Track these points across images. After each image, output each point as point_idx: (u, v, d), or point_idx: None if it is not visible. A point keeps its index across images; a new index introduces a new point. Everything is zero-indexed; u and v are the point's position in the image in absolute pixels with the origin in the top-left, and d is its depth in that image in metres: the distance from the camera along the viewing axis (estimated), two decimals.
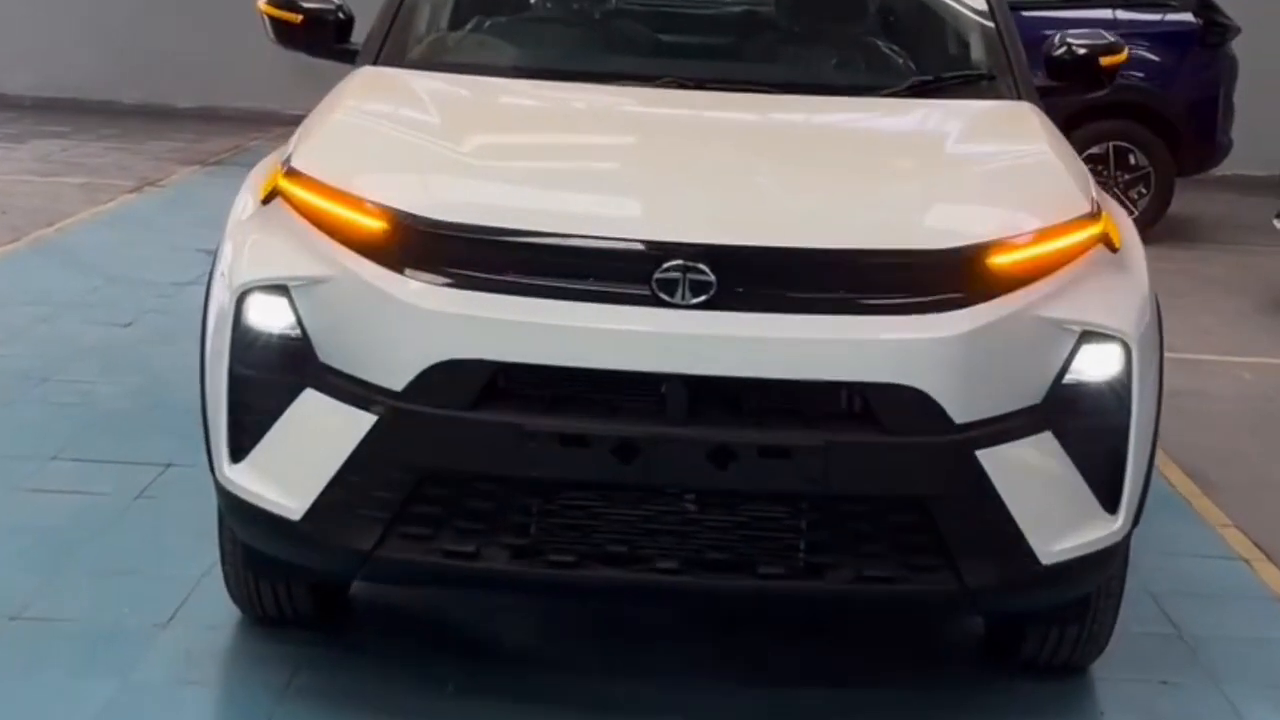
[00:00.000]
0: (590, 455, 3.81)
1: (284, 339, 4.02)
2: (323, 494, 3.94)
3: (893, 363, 3.82)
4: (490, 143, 4.37)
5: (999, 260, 3.92)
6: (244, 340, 4.05)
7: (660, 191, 4.09)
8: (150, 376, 7.06)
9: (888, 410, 3.82)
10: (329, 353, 3.98)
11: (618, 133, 4.56)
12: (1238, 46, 12.04)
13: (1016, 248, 3.95)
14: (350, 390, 3.93)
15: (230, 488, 4.11)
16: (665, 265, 3.80)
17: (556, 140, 4.50)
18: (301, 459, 4.01)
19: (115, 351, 7.45)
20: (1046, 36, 5.19)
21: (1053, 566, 3.98)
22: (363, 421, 3.90)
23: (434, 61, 4.98)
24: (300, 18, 5.10)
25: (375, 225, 3.94)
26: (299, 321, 4.00)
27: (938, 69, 5.06)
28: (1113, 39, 5.22)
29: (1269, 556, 5.69)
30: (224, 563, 4.53)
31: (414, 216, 3.91)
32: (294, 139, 4.42)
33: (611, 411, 3.84)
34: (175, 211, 10.98)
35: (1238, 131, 12.20)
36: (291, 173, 4.15)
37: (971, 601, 3.96)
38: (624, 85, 4.78)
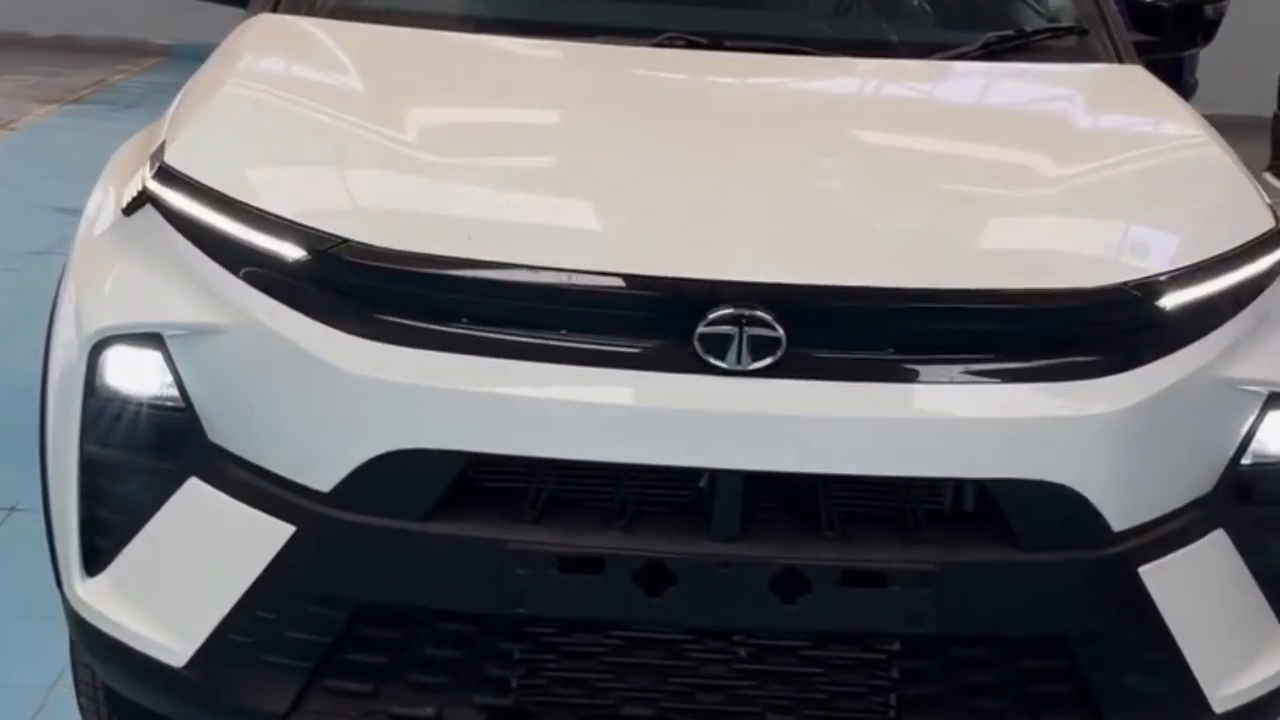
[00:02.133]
0: (603, 585, 2.72)
1: (157, 409, 2.89)
2: (216, 633, 2.83)
3: (1032, 451, 2.74)
4: (451, 133, 3.18)
5: (1172, 301, 2.84)
6: (100, 410, 2.92)
7: (698, 206, 2.92)
8: None
9: (1024, 517, 2.75)
10: (223, 431, 2.85)
11: (622, 117, 3.35)
12: None
13: (1193, 283, 2.87)
14: (254, 487, 2.81)
15: (82, 610, 2.98)
16: (713, 315, 2.68)
17: (541, 128, 3.31)
18: (184, 580, 2.89)
19: None
20: None
21: (1225, 715, 2.94)
22: (274, 533, 2.78)
23: (358, 9, 3.73)
24: None
25: (291, 254, 2.79)
26: (179, 385, 2.87)
27: (1010, 21, 3.92)
28: None
29: None
30: (79, 694, 3.37)
31: (348, 243, 2.76)
32: (168, 118, 3.22)
33: (632, 522, 2.74)
34: (29, 160, 9.70)
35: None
36: (166, 173, 2.97)
37: None
38: (616, 43, 3.60)
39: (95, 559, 2.96)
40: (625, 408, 2.70)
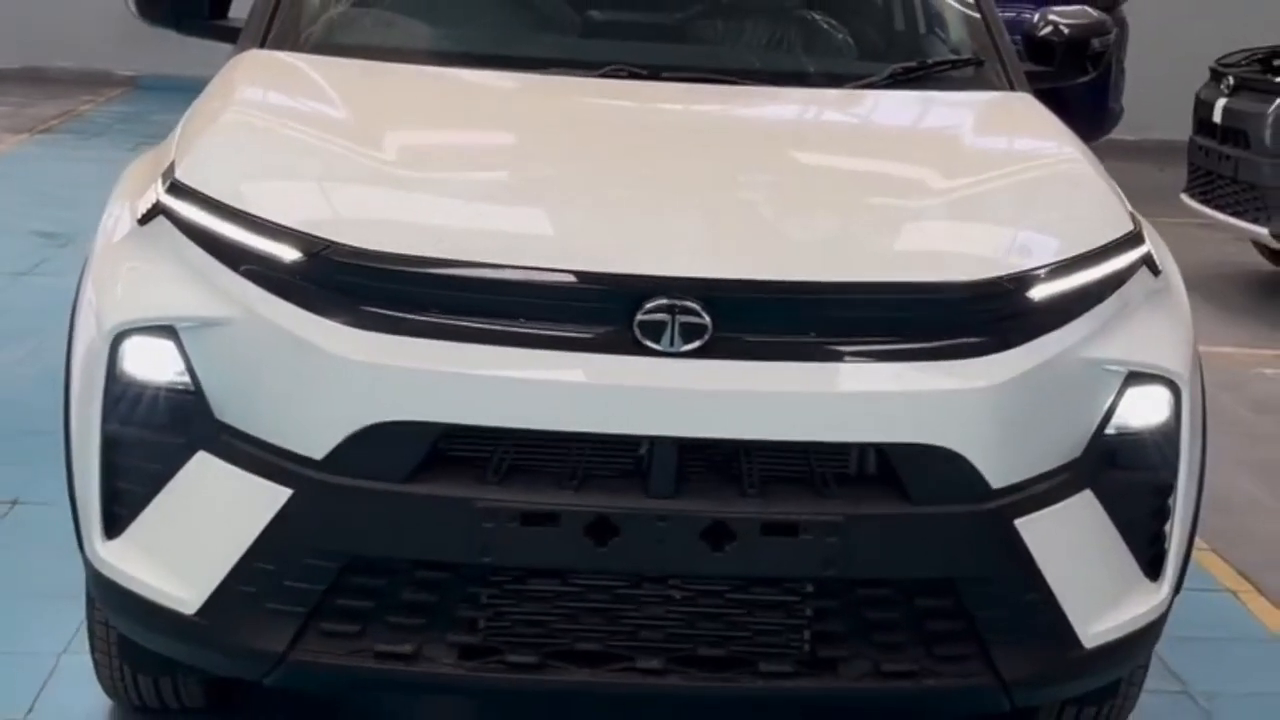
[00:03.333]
0: (558, 537, 3.14)
1: (170, 392, 3.29)
2: (223, 584, 3.23)
3: (922, 419, 3.19)
4: (422, 151, 3.63)
5: (1042, 292, 3.29)
6: (119, 393, 3.31)
7: (637, 213, 3.38)
8: None
9: (915, 476, 3.19)
10: (228, 410, 3.26)
11: (572, 137, 3.81)
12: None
13: (1061, 277, 3.33)
14: (256, 457, 3.22)
15: (103, 569, 3.38)
16: (649, 305, 3.12)
17: (501, 147, 3.76)
18: (195, 539, 3.29)
19: None
20: None
21: (1095, 650, 3.39)
22: (273, 496, 3.19)
23: (335, 45, 4.20)
24: None
25: (286, 255, 3.21)
26: (190, 370, 3.27)
27: (913, 53, 4.41)
28: (1099, 15, 4.62)
29: (1256, 587, 5.17)
30: (93, 650, 3.78)
31: (335, 245, 3.19)
32: (174, 141, 3.66)
33: (582, 483, 3.17)
34: (5, 187, 10.06)
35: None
36: (177, 188, 3.40)
37: (1006, 695, 3.33)
38: (565, 74, 4.06)
39: (114, 524, 3.34)
40: (575, 385, 3.12)
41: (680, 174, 3.56)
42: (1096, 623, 3.38)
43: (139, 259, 3.42)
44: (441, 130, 3.81)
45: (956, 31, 4.51)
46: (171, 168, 3.46)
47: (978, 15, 4.45)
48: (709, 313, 3.12)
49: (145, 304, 3.32)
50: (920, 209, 3.52)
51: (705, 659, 3.22)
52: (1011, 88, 4.27)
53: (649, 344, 3.12)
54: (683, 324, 3.11)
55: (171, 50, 13.77)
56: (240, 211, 3.28)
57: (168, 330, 3.27)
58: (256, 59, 4.09)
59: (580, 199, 3.43)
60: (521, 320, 3.14)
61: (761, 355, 3.15)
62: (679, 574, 3.20)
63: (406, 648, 3.20)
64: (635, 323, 3.12)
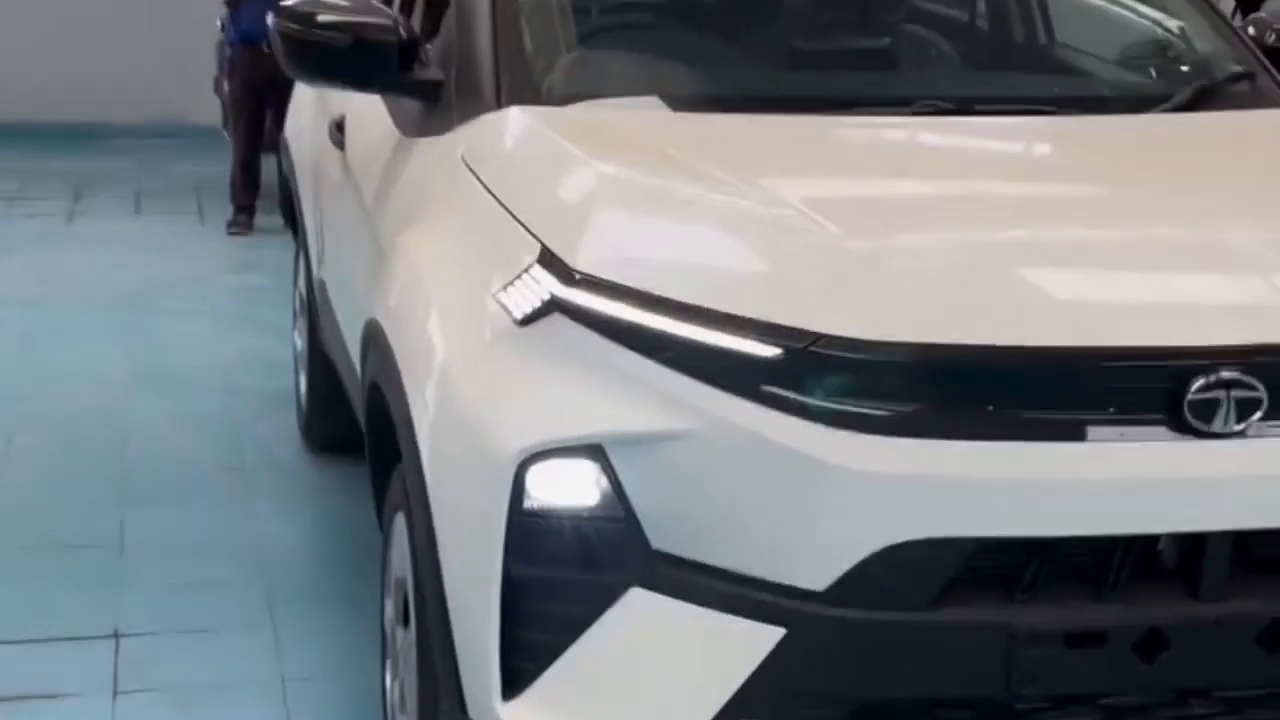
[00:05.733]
0: (1102, 657, 2.71)
1: (594, 521, 2.76)
2: None
3: None
4: (861, 216, 3.01)
5: None
6: (527, 526, 2.77)
7: (1147, 275, 2.92)
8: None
9: None
10: (672, 538, 2.75)
11: (980, 187, 3.30)
12: None
13: None
14: (723, 592, 2.72)
15: None
16: (1202, 380, 2.69)
17: (934, 205, 3.16)
18: (639, 694, 2.78)
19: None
20: None
21: None
22: (758, 637, 2.69)
23: (603, 95, 3.52)
24: (349, 39, 3.65)
25: (760, 352, 2.68)
26: (619, 494, 2.74)
27: (1184, 73, 4.04)
28: None
29: None
30: None
31: (825, 337, 2.66)
32: (518, 223, 3.03)
33: (1124, 593, 2.73)
34: None
35: None
36: (583, 281, 2.82)
37: None
38: (883, 114, 3.56)
39: (515, 680, 2.81)
40: (1133, 480, 2.68)
41: (1130, 224, 3.08)
42: None
43: (534, 367, 2.83)
44: (851, 189, 3.23)
45: (1203, 44, 4.14)
46: (549, 255, 2.87)
47: (1225, 28, 4.12)
48: (1265, 385, 2.71)
49: (562, 421, 2.77)
50: None
51: None
52: None
53: (1200, 426, 2.70)
54: (1238, 399, 2.70)
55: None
56: (684, 305, 2.73)
57: (592, 450, 2.74)
58: (528, 116, 3.43)
59: (1074, 264, 2.93)
60: (1059, 409, 2.67)
61: None
62: (1226, 684, 2.81)
63: None
64: (1185, 402, 2.69)
